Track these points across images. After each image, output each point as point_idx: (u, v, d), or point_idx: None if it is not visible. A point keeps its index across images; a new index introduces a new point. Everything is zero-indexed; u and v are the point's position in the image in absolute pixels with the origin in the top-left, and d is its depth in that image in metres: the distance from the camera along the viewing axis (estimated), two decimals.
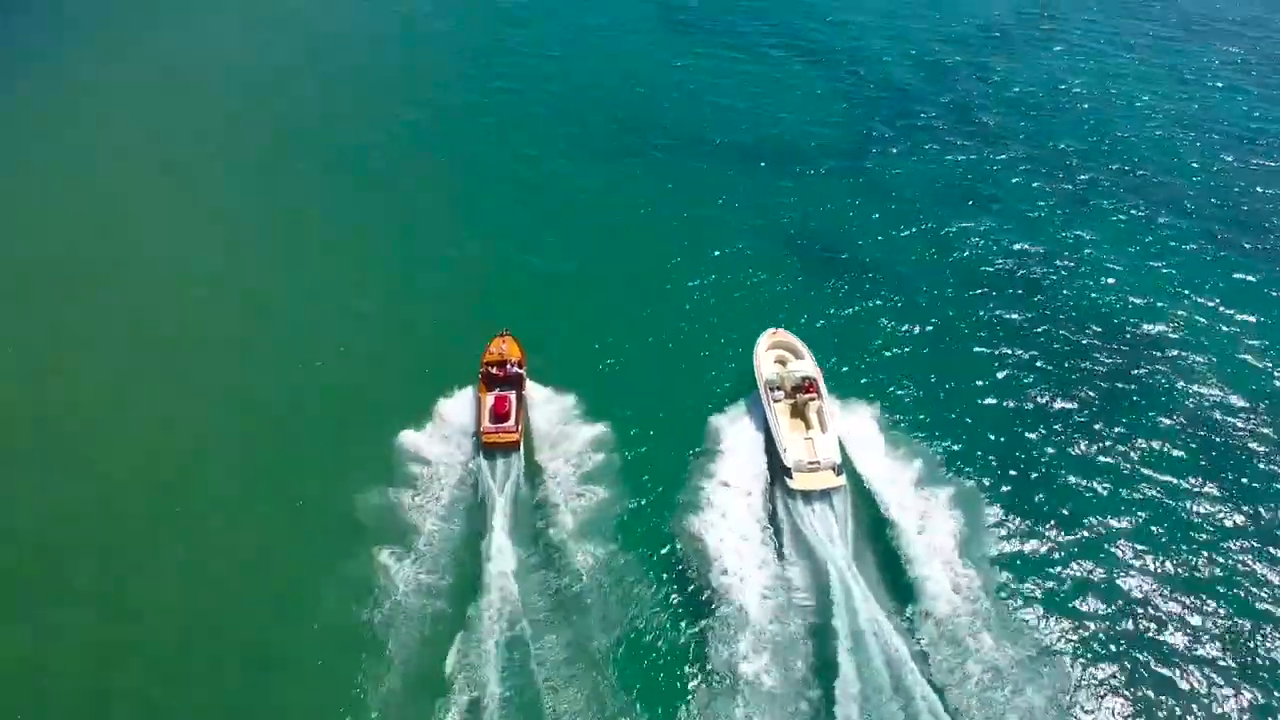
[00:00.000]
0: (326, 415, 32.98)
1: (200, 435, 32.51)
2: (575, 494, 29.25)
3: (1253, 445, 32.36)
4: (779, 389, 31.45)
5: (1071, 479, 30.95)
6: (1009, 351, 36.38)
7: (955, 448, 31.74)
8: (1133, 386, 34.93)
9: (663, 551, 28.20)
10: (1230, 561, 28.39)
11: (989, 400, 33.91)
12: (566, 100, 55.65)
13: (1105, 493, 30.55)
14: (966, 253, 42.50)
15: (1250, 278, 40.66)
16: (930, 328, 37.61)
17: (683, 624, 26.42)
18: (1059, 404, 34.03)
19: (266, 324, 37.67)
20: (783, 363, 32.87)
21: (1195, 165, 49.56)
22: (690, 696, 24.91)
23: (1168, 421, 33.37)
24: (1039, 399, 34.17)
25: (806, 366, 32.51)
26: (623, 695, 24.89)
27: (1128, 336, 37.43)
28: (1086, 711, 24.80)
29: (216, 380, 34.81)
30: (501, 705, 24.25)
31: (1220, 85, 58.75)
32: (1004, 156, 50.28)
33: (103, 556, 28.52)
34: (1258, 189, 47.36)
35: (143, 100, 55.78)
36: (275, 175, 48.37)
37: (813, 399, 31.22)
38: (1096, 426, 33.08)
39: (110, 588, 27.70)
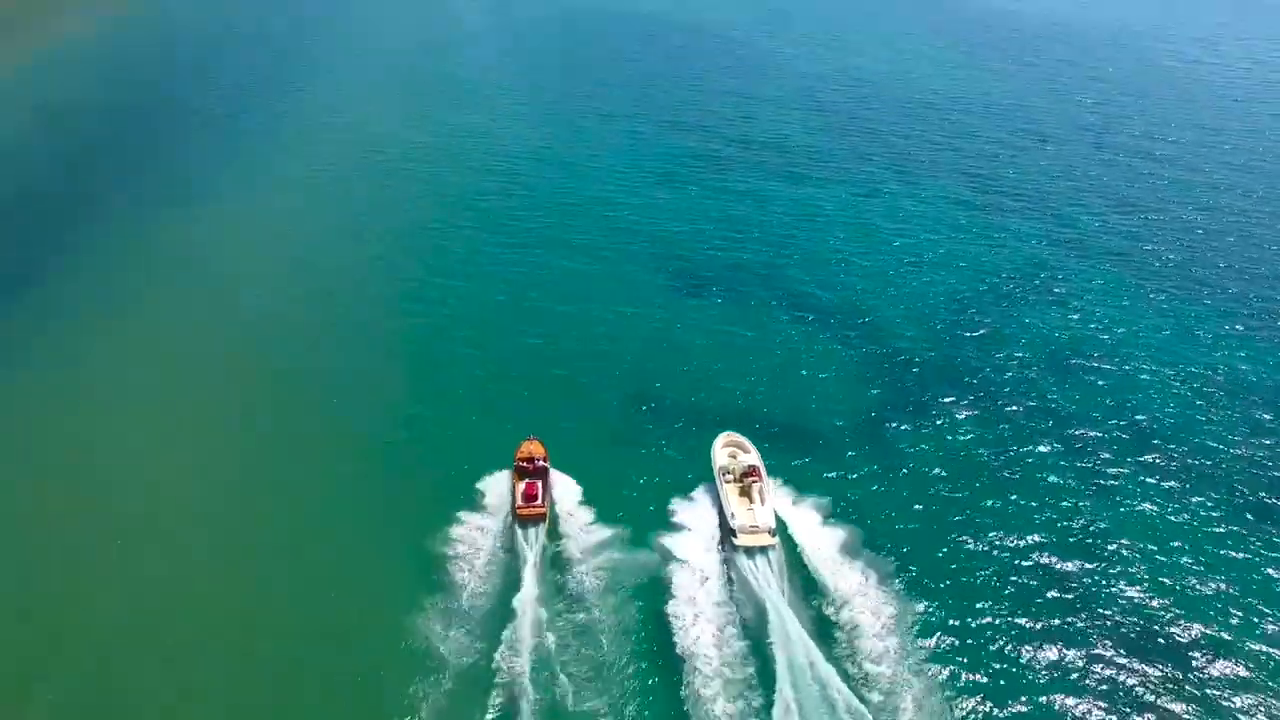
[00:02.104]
0: (396, 495, 44.92)
1: (290, 522, 43.98)
2: (586, 551, 41.15)
3: None
4: (729, 474, 43.63)
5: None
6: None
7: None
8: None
9: (648, 591, 39.60)
10: None
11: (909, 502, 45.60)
12: (564, 369, 55.28)
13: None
14: (988, 540, 43.44)
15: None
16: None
17: (661, 641, 37.49)
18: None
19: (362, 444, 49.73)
20: (734, 456, 45.08)
21: (1223, 441, 49.22)
22: (665, 695, 35.74)
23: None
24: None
25: (752, 458, 44.80)
26: (622, 693, 35.88)
27: (1155, 629, 39.30)
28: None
29: (298, 459, 46.92)
30: (533, 696, 35.28)
31: (1241, 351, 57.77)
32: (1023, 430, 50.21)
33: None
34: None
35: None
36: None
37: (755, 481, 43.31)
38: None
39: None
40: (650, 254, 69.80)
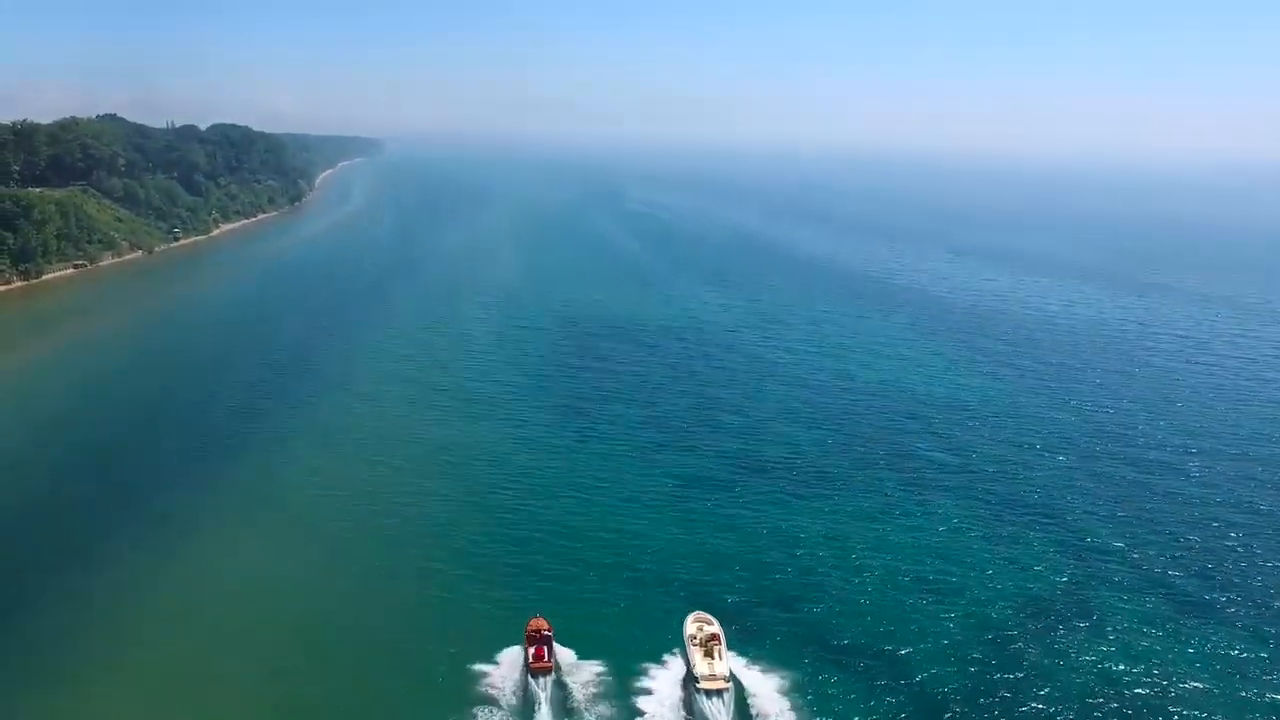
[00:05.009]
0: (432, 655, 57.32)
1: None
2: (585, 696, 53.45)
3: None
4: (696, 639, 56.17)
5: None
6: None
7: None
8: None
9: None
10: None
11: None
12: None
13: None
14: None
15: None
16: None
17: None
18: None
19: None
20: (701, 628, 57.86)
21: None
22: None
23: None
24: None
25: (715, 629, 57.56)
26: None
27: None
28: None
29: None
30: None
31: None
32: None
33: None
34: None
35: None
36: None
37: (716, 645, 55.62)
38: None
39: None
40: (660, 595, 66.03)
